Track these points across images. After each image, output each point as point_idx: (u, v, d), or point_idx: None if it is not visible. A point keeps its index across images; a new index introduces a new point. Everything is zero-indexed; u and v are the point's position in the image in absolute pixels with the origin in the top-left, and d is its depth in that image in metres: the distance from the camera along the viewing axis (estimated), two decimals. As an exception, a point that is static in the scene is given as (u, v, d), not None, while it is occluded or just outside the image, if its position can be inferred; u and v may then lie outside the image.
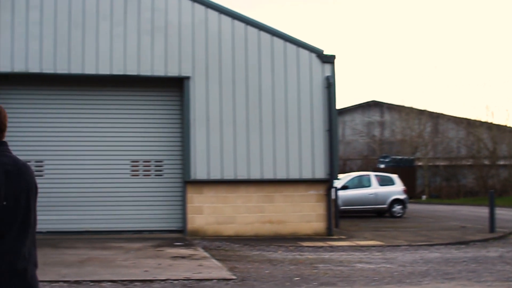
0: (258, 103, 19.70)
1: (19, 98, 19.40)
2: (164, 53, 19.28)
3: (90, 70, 18.97)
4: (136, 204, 19.67)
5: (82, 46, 18.92)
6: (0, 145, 4.47)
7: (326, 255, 15.80)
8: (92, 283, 11.57)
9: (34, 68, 18.79)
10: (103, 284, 11.54)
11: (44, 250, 15.85)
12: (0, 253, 4.18)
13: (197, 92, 19.36)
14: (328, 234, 19.89)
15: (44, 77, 19.17)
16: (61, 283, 11.56)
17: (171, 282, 11.69)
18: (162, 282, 11.68)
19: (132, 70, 19.12)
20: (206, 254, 15.40)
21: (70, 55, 18.87)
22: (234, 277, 12.27)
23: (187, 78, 19.36)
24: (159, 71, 19.26)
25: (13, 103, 19.31)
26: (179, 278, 12.05)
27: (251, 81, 19.73)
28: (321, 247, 17.43)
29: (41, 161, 19.34)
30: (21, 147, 19.13)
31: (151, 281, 11.79)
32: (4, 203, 4.19)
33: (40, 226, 18.47)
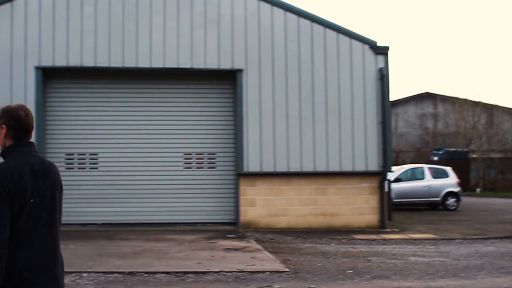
0: (311, 95, 19.64)
1: (74, 92, 19.66)
2: (217, 46, 19.34)
3: (143, 63, 19.12)
4: (189, 196, 19.79)
5: (136, 39, 19.09)
6: (27, 145, 4.78)
7: (379, 248, 15.70)
8: (146, 275, 11.68)
9: (88, 62, 19.02)
10: (157, 275, 11.64)
11: (99, 242, 16.08)
12: (25, 251, 4.47)
13: (249, 85, 19.37)
14: (381, 227, 19.76)
15: (98, 70, 19.38)
16: (115, 274, 11.69)
17: (224, 274, 11.74)
18: (215, 274, 11.73)
19: (185, 63, 19.22)
20: (259, 246, 15.42)
21: (124, 48, 19.06)
22: (287, 269, 12.27)
23: (240, 70, 19.39)
24: (212, 64, 19.32)
25: (68, 97, 19.60)
26: (232, 270, 12.09)
27: (304, 73, 19.67)
28: (374, 240, 17.32)
29: (96, 154, 19.57)
30: (76, 140, 19.45)
31: (204, 273, 11.85)
32: (31, 200, 4.51)
33: (94, 218, 18.88)
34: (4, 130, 4.72)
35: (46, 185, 4.70)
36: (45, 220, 4.63)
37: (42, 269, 4.56)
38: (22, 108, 4.80)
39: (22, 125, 4.74)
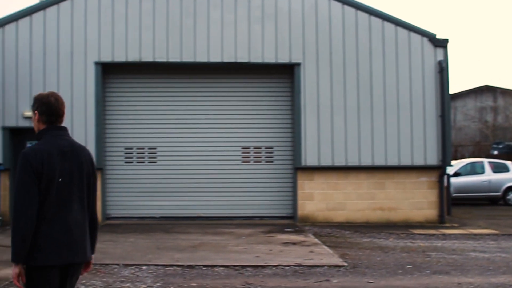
0: (369, 89, 19.50)
1: (133, 87, 19.88)
2: (274, 39, 19.33)
3: (201, 58, 19.22)
4: (247, 190, 19.85)
5: (194, 34, 19.20)
6: (59, 129, 5.35)
7: (439, 243, 15.52)
8: (204, 268, 11.76)
9: (147, 57, 19.20)
10: (216, 269, 11.70)
11: (158, 235, 16.24)
12: (60, 232, 5.08)
13: (307, 78, 19.32)
14: (440, 221, 19.53)
15: (156, 65, 19.55)
16: (174, 267, 11.79)
17: (282, 268, 11.75)
18: (274, 268, 11.75)
19: (243, 57, 19.26)
20: (316, 240, 15.39)
21: (182, 43, 19.19)
22: (345, 264, 12.22)
23: (298, 64, 19.34)
24: (269, 58, 19.32)
25: (127, 92, 19.83)
26: (290, 264, 12.09)
27: (362, 67, 19.54)
28: (433, 234, 17.13)
29: (154, 148, 19.75)
30: (134, 134, 19.67)
31: (262, 266, 11.88)
32: (60, 179, 5.11)
33: (153, 212, 19.14)
34: (37, 116, 5.31)
35: (74, 166, 5.23)
36: (75, 198, 5.21)
37: (72, 243, 5.14)
38: (52, 95, 5.36)
39: (52, 110, 5.30)
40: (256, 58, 19.29)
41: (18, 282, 5.01)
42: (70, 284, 5.30)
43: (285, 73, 19.87)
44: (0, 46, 19.12)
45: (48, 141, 5.22)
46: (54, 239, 5.05)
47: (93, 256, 5.51)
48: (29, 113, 18.79)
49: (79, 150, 5.34)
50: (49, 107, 5.30)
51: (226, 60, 19.25)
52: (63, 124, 5.45)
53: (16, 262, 4.96)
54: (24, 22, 19.12)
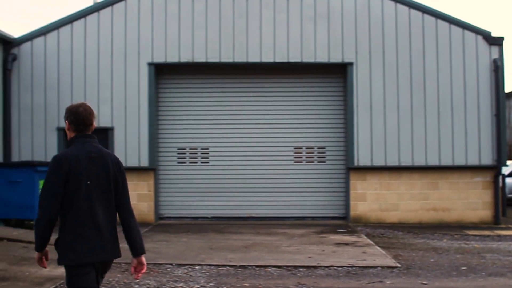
0: (422, 88, 19.30)
1: (185, 87, 20.01)
2: (327, 39, 19.26)
3: (253, 58, 19.25)
4: (299, 190, 19.82)
5: (246, 34, 19.24)
6: (87, 137, 5.87)
7: (494, 245, 15.29)
8: (257, 268, 11.78)
9: (199, 58, 19.30)
10: (268, 269, 11.71)
11: (210, 235, 16.31)
12: (87, 233, 5.56)
13: (359, 78, 19.21)
14: (495, 222, 19.23)
15: (209, 66, 19.64)
16: (227, 267, 11.83)
17: (335, 269, 11.70)
18: (326, 269, 11.71)
19: (295, 57, 19.23)
20: (369, 241, 15.30)
21: (234, 43, 19.24)
22: (398, 265, 12.13)
23: (350, 64, 19.24)
24: (322, 58, 19.26)
25: (179, 92, 19.96)
26: (343, 265, 12.04)
27: (415, 66, 19.34)
28: (488, 236, 16.88)
29: (207, 148, 19.85)
30: (187, 134, 19.81)
31: (315, 267, 11.86)
32: (88, 182, 5.62)
33: (205, 212, 19.31)
34: (67, 125, 5.87)
35: (101, 170, 5.74)
36: (102, 200, 5.70)
37: (101, 242, 5.66)
38: (82, 105, 5.91)
39: (81, 120, 5.83)
40: (308, 58, 19.25)
41: (40, 263, 5.81)
42: (101, 279, 5.86)
43: (338, 73, 19.79)
44: (55, 48, 19.43)
45: (77, 148, 5.75)
46: (86, 239, 5.57)
47: (143, 255, 5.98)
48: (83, 113, 19.00)
49: (106, 156, 5.87)
50: (77, 117, 5.84)
51: (278, 60, 19.25)
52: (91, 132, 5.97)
53: (37, 250, 5.74)
54: (78, 24, 19.39)
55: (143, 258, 5.93)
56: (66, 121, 5.89)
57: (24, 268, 11.33)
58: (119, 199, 5.85)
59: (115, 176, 5.83)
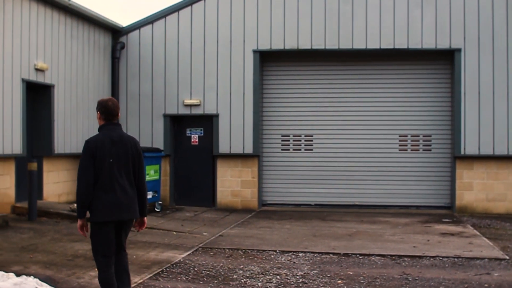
0: (533, 75, 18.72)
1: (289, 74, 20.02)
2: (434, 25, 18.86)
3: (359, 44, 19.07)
4: (404, 179, 19.57)
5: (352, 21, 19.07)
6: (113, 125, 7.48)
7: None
8: (361, 256, 11.70)
9: (304, 45, 19.27)
10: (372, 258, 11.62)
11: (314, 222, 16.32)
12: (107, 193, 7.16)
13: (467, 64, 18.74)
14: None
15: (313, 53, 19.59)
16: (331, 255, 11.81)
17: (440, 259, 11.50)
18: (431, 259, 11.52)
19: (401, 44, 18.94)
20: (475, 231, 14.96)
21: (339, 30, 19.11)
22: (506, 257, 11.80)
23: (458, 50, 18.78)
24: (428, 44, 18.88)
25: (284, 79, 20.00)
26: (449, 255, 11.82)
27: (526, 52, 18.75)
28: None
29: (311, 135, 19.83)
30: (291, 121, 19.86)
31: (420, 257, 11.68)
32: (111, 160, 7.21)
33: (308, 199, 19.32)
34: (98, 115, 7.48)
35: (122, 150, 7.34)
36: (122, 174, 7.30)
37: (119, 205, 7.21)
38: (110, 99, 7.54)
39: (109, 111, 7.44)
40: (415, 44, 18.92)
41: (82, 231, 7.27)
42: (125, 234, 7.51)
43: (444, 59, 19.39)
44: (162, 36, 19.80)
45: (104, 133, 7.37)
46: (108, 203, 7.16)
47: (145, 218, 7.66)
48: (189, 100, 19.38)
49: (126, 140, 7.47)
50: (107, 109, 7.44)
51: (384, 46, 19.01)
52: (117, 121, 7.60)
53: (79, 217, 7.23)
54: (185, 12, 19.68)
55: (145, 219, 7.66)
56: (98, 112, 7.48)
57: (131, 251, 11.60)
58: (136, 174, 7.46)
59: (133, 156, 7.44)
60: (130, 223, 7.50)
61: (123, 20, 33.45)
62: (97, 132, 7.45)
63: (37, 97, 16.54)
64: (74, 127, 17.73)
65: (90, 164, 7.12)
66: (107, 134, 7.35)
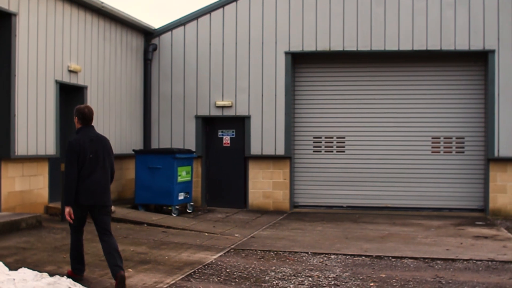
0: None
1: (321, 76, 19.99)
2: (467, 26, 18.70)
3: (391, 46, 18.97)
4: (436, 181, 19.43)
5: (384, 22, 18.98)
6: (89, 127, 9.13)
7: None
8: (393, 259, 11.63)
9: (336, 46, 19.21)
10: (405, 260, 11.55)
11: (346, 224, 16.27)
12: (89, 186, 8.81)
13: (501, 66, 18.53)
14: None
15: (345, 54, 19.54)
16: (363, 257, 11.76)
17: (474, 262, 11.40)
18: (465, 262, 11.42)
19: (434, 45, 18.80)
20: (510, 235, 14.79)
21: (371, 32, 19.02)
22: (542, 261, 11.67)
23: (492, 51, 18.59)
24: (461, 45, 18.72)
25: (315, 81, 19.98)
26: (483, 258, 11.70)
27: (561, 53, 18.54)
28: None
29: (343, 137, 19.77)
30: (323, 123, 19.85)
31: (453, 260, 11.59)
32: (91, 155, 8.87)
33: (340, 201, 19.34)
34: (76, 119, 9.11)
35: (99, 147, 9.01)
36: (99, 167, 8.94)
37: (95, 192, 8.85)
38: (86, 107, 9.15)
39: (86, 117, 9.08)
40: (448, 46, 18.77)
41: (69, 217, 8.78)
42: (106, 218, 9.01)
43: (478, 61, 19.22)
44: (194, 38, 19.87)
45: (83, 134, 8.98)
46: (87, 189, 8.79)
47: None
48: (221, 102, 19.42)
49: (101, 138, 9.18)
50: (84, 115, 9.08)
51: (416, 48, 18.88)
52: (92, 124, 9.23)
53: (66, 205, 8.79)
54: (217, 14, 19.73)
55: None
56: (76, 117, 9.10)
57: (163, 252, 11.65)
58: (109, 165, 9.09)
59: (108, 152, 9.12)
60: (105, 208, 8.99)
61: (154, 22, 33.66)
62: (96, 134, 9.20)
63: (70, 99, 16.66)
64: (106, 128, 17.83)
65: (75, 160, 8.75)
66: (86, 135, 8.98)
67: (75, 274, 9.16)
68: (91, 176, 8.80)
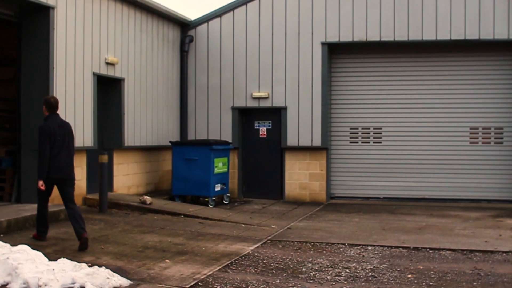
0: None
1: (358, 66, 19.90)
2: (506, 15, 18.45)
3: (429, 36, 18.79)
4: (474, 172, 19.25)
5: (421, 12, 18.80)
6: (56, 114, 10.91)
7: None
8: (431, 251, 11.55)
9: (373, 37, 19.09)
10: (442, 252, 11.45)
11: (382, 216, 16.19)
12: (58, 163, 10.68)
13: (541, 56, 18.35)
14: None
15: (382, 45, 19.40)
16: (400, 249, 11.69)
17: (513, 255, 11.28)
18: (504, 254, 11.29)
19: (472, 35, 18.58)
20: (550, 226, 14.63)
21: (409, 21, 18.86)
22: None
23: (531, 40, 18.41)
24: (500, 35, 18.48)
25: (352, 71, 19.90)
26: (522, 250, 11.58)
27: None
28: None
29: (380, 128, 19.67)
30: (360, 114, 19.77)
31: (491, 252, 11.46)
32: (59, 138, 10.64)
33: (377, 192, 19.26)
34: (44, 108, 10.89)
35: (64, 131, 10.83)
36: (65, 147, 10.77)
37: (63, 168, 10.74)
38: (52, 97, 11.09)
39: (52, 106, 10.87)
40: (486, 35, 18.55)
41: (41, 187, 10.61)
42: (71, 189, 11.01)
43: (517, 50, 19.02)
44: (230, 29, 19.88)
45: (51, 120, 10.77)
46: (56, 166, 10.65)
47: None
48: (258, 93, 19.43)
49: (66, 124, 11.07)
50: (51, 104, 10.90)
51: (454, 38, 18.69)
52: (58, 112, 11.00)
53: (41, 178, 10.60)
54: (253, 5, 19.72)
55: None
56: (44, 106, 10.87)
57: (200, 243, 11.69)
58: (72, 146, 10.99)
59: (72, 135, 11.04)
60: (70, 181, 10.94)
61: (190, 13, 33.88)
62: (62, 120, 11.07)
63: (108, 91, 16.77)
64: (143, 120, 17.93)
65: (46, 142, 10.53)
66: (54, 121, 10.77)
67: (40, 236, 11.04)
68: (58, 155, 10.67)
